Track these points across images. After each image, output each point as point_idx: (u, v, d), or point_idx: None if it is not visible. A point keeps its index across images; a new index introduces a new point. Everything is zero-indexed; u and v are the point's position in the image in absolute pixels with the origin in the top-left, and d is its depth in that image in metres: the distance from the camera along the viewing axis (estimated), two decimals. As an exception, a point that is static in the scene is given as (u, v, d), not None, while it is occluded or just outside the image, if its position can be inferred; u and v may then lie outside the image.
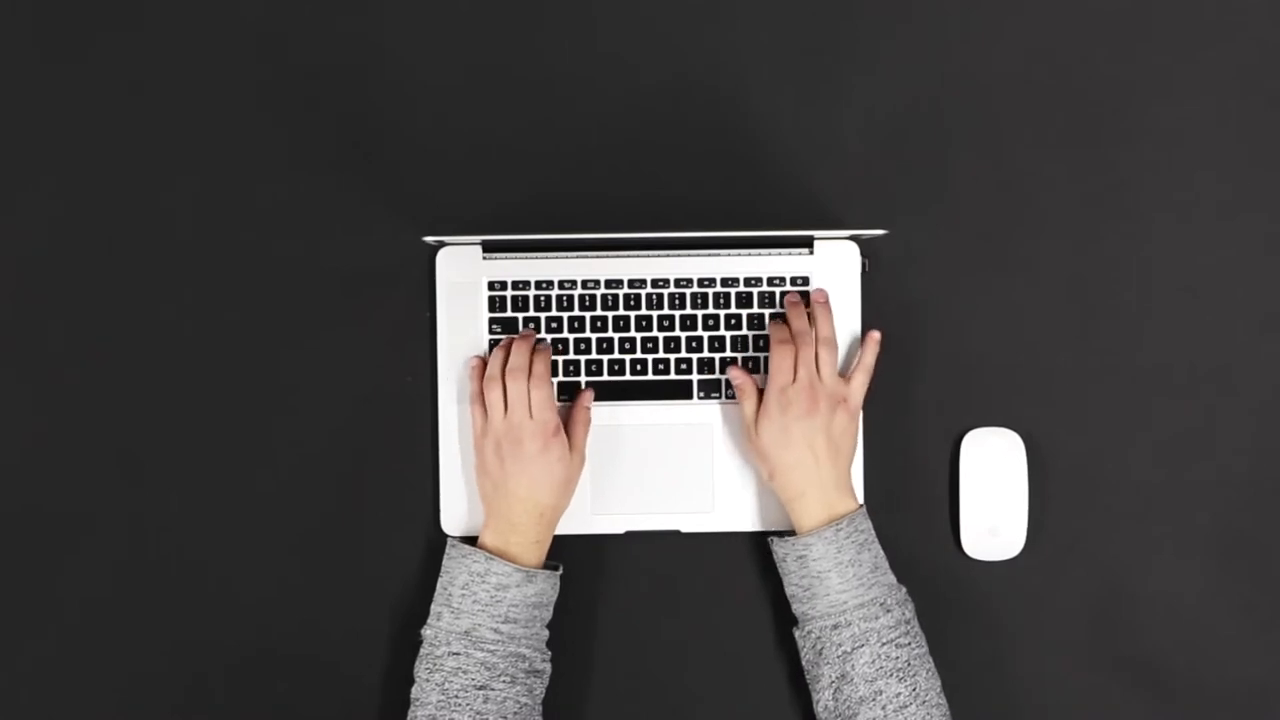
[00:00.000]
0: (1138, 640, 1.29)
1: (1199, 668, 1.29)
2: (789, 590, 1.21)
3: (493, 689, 1.14)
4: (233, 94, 1.29)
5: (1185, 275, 1.29)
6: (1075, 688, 1.28)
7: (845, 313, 1.27)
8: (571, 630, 1.24)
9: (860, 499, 1.24)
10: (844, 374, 1.23)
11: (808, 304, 1.26)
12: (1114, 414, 1.29)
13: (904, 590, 1.19)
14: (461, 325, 1.27)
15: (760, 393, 1.22)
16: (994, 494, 1.27)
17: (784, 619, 1.27)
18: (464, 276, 1.27)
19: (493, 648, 1.15)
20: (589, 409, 1.24)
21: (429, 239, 1.23)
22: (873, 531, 1.20)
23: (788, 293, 1.26)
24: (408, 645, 1.26)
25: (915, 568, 1.27)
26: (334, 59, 1.29)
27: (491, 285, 1.27)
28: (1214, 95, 1.30)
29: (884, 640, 1.15)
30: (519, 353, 1.21)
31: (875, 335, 1.24)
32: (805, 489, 1.19)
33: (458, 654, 1.15)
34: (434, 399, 1.27)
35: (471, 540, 1.23)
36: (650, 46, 1.30)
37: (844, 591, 1.17)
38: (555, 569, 1.21)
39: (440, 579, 1.19)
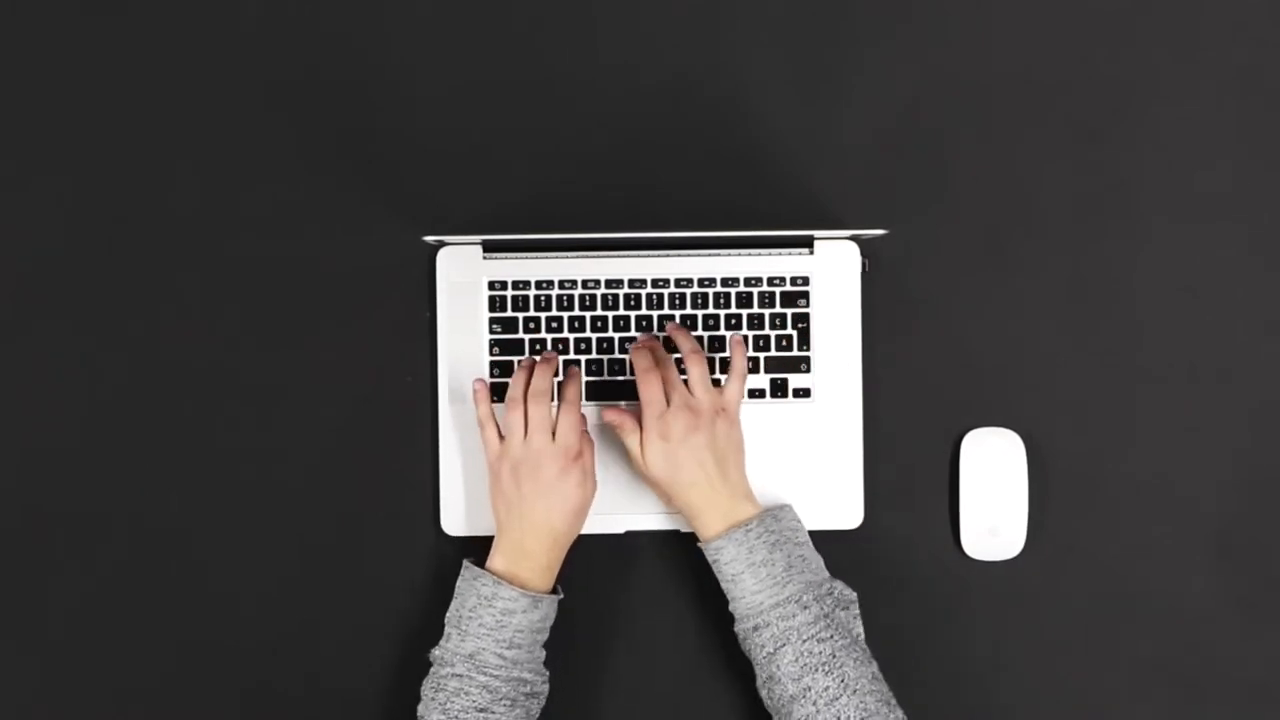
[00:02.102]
0: (1138, 640, 1.29)
1: (1199, 668, 1.29)
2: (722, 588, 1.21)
3: (493, 712, 1.15)
4: (233, 94, 1.29)
5: (1185, 275, 1.29)
6: (1075, 688, 1.28)
7: (845, 313, 1.28)
8: (571, 630, 1.24)
9: (785, 500, 1.22)
10: (717, 384, 1.22)
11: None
12: (1114, 414, 1.29)
13: (831, 584, 1.17)
14: (461, 325, 1.27)
15: (640, 423, 1.21)
16: (994, 494, 1.27)
17: (784, 619, 1.27)
18: (464, 276, 1.27)
19: (495, 672, 1.15)
20: (589, 432, 1.23)
21: (429, 239, 1.23)
22: (790, 533, 1.18)
23: (639, 337, 1.25)
24: (408, 645, 1.26)
25: (915, 568, 1.27)
26: (335, 59, 1.29)
27: (491, 285, 1.27)
28: (1214, 95, 1.30)
29: (804, 637, 1.14)
30: (542, 376, 1.20)
31: (737, 336, 1.24)
32: (704, 506, 1.19)
33: (460, 676, 1.15)
34: (434, 399, 1.27)
35: (477, 541, 1.23)
36: (650, 46, 1.30)
37: (759, 593, 1.16)
38: (555, 593, 1.20)
39: (454, 599, 1.19)
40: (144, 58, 1.29)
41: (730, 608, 1.19)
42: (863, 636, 1.17)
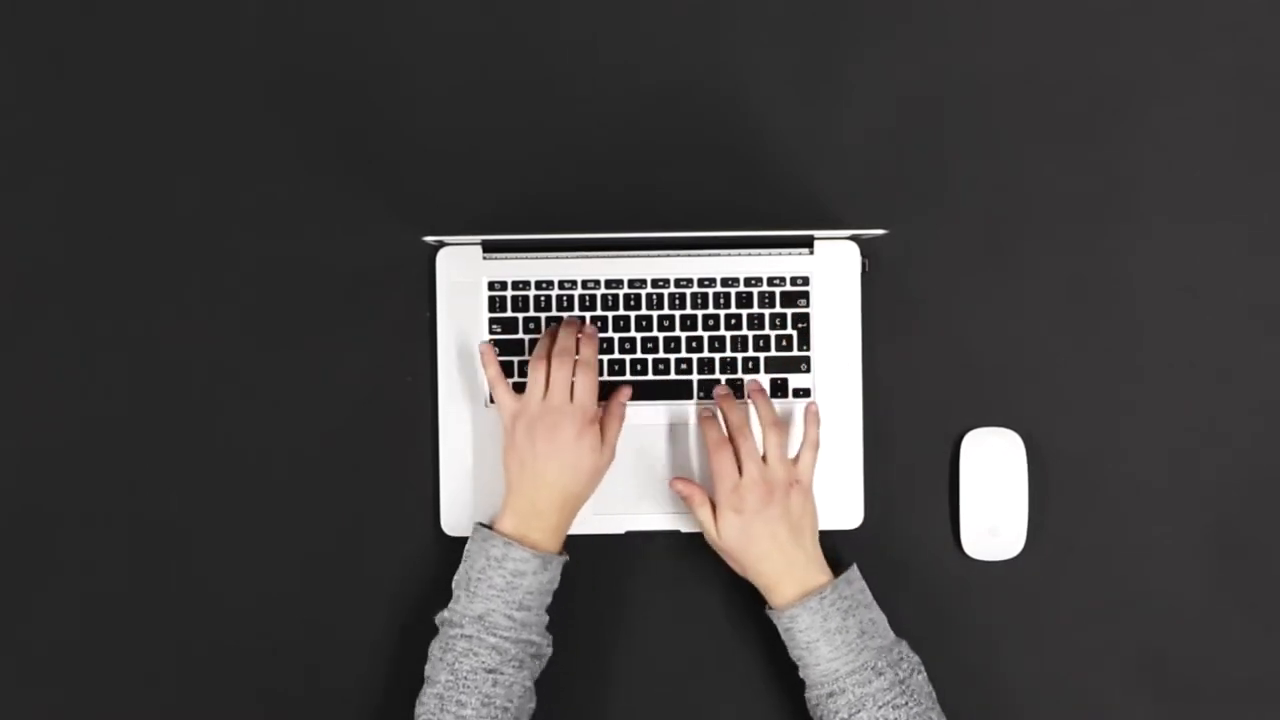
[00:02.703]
0: (1138, 640, 1.29)
1: (1199, 668, 1.29)
2: (791, 656, 1.21)
3: (502, 673, 1.15)
4: (233, 94, 1.29)
5: (1185, 275, 1.29)
6: (1075, 688, 1.28)
7: (845, 313, 1.28)
8: (571, 630, 1.24)
9: (852, 564, 1.22)
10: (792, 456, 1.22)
11: (740, 394, 1.25)
12: (1114, 414, 1.29)
13: (902, 647, 1.18)
14: (461, 325, 1.27)
15: (710, 495, 1.22)
16: (994, 494, 1.27)
17: (784, 619, 1.28)
18: (464, 276, 1.27)
19: (505, 633, 1.15)
20: (624, 405, 1.23)
21: (429, 239, 1.23)
22: (861, 596, 1.19)
23: (716, 386, 1.25)
24: (408, 645, 1.26)
25: (915, 568, 1.27)
26: (335, 59, 1.29)
27: (491, 285, 1.27)
28: (1214, 95, 1.30)
29: (880, 703, 1.15)
30: (566, 335, 1.21)
31: (813, 408, 1.24)
32: (778, 578, 1.19)
33: (470, 637, 1.15)
34: (434, 399, 1.27)
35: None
36: (650, 46, 1.30)
37: (834, 660, 1.16)
38: (562, 555, 1.20)
39: (462, 562, 1.19)
40: (144, 58, 1.29)
41: (801, 674, 1.19)
42: (934, 696, 1.18)
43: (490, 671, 1.14)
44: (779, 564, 1.19)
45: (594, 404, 1.19)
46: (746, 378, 1.26)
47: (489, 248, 1.26)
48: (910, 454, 1.29)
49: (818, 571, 1.20)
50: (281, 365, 1.28)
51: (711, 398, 1.26)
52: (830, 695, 1.16)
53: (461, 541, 1.26)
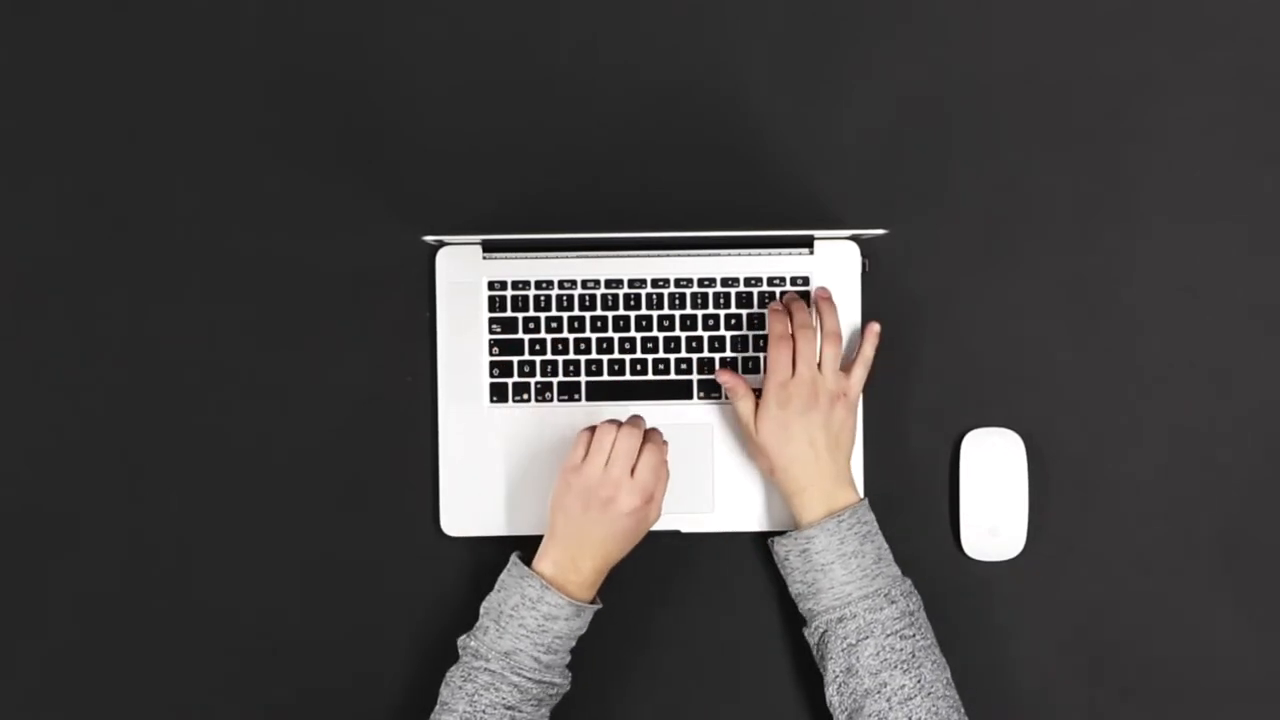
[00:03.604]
0: (1138, 640, 1.29)
1: (1199, 668, 1.29)
2: (793, 590, 1.21)
3: (520, 710, 1.15)
4: (233, 94, 1.29)
5: (1185, 275, 1.29)
6: (1075, 688, 1.28)
7: (845, 313, 1.27)
8: (571, 630, 1.24)
9: (861, 492, 1.24)
10: (843, 367, 1.23)
11: (808, 302, 1.26)
12: (1114, 414, 1.29)
13: (909, 582, 1.19)
14: (461, 325, 1.27)
15: (755, 391, 1.22)
16: (994, 494, 1.27)
17: (784, 619, 1.27)
18: (464, 276, 1.27)
19: (529, 674, 1.15)
20: (668, 463, 1.21)
21: (429, 239, 1.23)
22: (875, 524, 1.20)
23: (787, 292, 1.26)
24: (408, 645, 1.26)
25: (915, 568, 1.27)
26: (335, 59, 1.29)
27: (491, 285, 1.27)
28: (1214, 95, 1.30)
29: (889, 632, 1.15)
30: (639, 419, 1.20)
31: (875, 327, 1.24)
32: (806, 484, 1.19)
33: (494, 672, 1.15)
34: (434, 399, 1.27)
35: (477, 542, 1.23)
36: (650, 46, 1.30)
37: (848, 583, 1.17)
38: (594, 603, 1.20)
39: (495, 592, 1.18)
40: (144, 57, 1.29)
41: (808, 604, 1.19)
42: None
43: (509, 708, 1.14)
44: (810, 470, 1.19)
45: (655, 483, 1.18)
46: (815, 287, 1.26)
47: (489, 248, 1.26)
48: (910, 454, 1.29)
49: (847, 488, 1.20)
50: (281, 365, 1.28)
51: (719, 396, 1.26)
52: (840, 620, 1.16)
53: (461, 541, 1.27)
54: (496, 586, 1.18)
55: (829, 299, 1.24)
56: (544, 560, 1.18)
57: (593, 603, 1.19)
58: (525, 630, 1.15)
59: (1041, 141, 1.29)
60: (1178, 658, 1.29)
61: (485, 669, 1.15)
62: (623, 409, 1.26)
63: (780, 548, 1.21)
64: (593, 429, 1.19)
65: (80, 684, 1.28)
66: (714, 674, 1.28)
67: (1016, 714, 1.28)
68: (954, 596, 1.28)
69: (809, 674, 1.27)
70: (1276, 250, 1.29)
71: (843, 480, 1.20)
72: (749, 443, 1.23)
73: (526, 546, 1.20)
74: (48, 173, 1.29)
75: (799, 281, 1.27)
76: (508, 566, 1.19)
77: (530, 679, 1.15)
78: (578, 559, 1.17)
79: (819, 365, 1.21)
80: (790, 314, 1.23)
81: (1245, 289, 1.29)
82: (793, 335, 1.21)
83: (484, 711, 1.14)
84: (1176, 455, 1.29)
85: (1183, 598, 1.29)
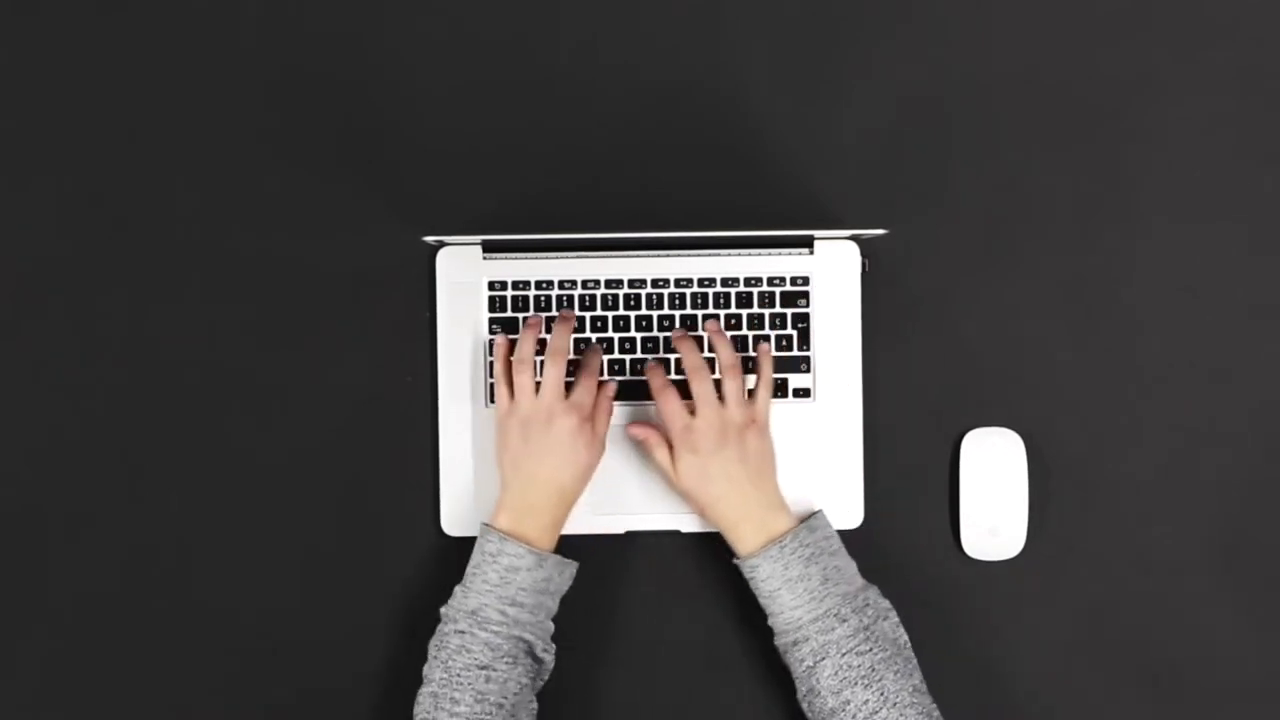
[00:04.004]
0: (1137, 640, 1.29)
1: (1199, 668, 1.29)
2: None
3: (495, 669, 1.15)
4: (233, 94, 1.29)
5: (1185, 275, 1.29)
6: (1075, 688, 1.28)
7: (845, 313, 1.28)
8: (572, 630, 1.24)
9: (814, 507, 1.23)
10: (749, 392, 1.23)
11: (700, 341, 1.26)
12: (1114, 414, 1.29)
13: (869, 593, 1.18)
14: (461, 325, 1.27)
15: (666, 437, 1.22)
16: (994, 494, 1.27)
17: (784, 619, 1.28)
18: (464, 276, 1.27)
19: (497, 629, 1.15)
20: (611, 399, 1.23)
21: (429, 239, 1.23)
22: (824, 543, 1.19)
23: (673, 332, 1.25)
24: (408, 645, 1.26)
25: (915, 568, 1.27)
26: (335, 59, 1.29)
27: (491, 285, 1.27)
28: (1214, 95, 1.30)
29: (843, 650, 1.14)
30: (560, 335, 1.21)
31: (765, 346, 1.24)
32: (738, 519, 1.19)
33: (463, 632, 1.15)
34: (434, 399, 1.27)
35: (474, 541, 1.24)
36: (650, 46, 1.30)
37: (796, 608, 1.16)
38: (563, 556, 1.20)
39: (470, 559, 1.20)
40: (144, 57, 1.29)
41: (769, 622, 1.19)
42: (908, 644, 1.18)
43: (483, 668, 1.14)
44: (737, 505, 1.19)
45: (590, 401, 1.20)
46: (702, 314, 1.26)
47: (489, 248, 1.26)
48: (910, 454, 1.29)
49: (779, 514, 1.20)
50: (281, 365, 1.28)
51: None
52: (794, 644, 1.16)
53: (461, 541, 1.27)
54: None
55: (719, 330, 1.24)
56: (500, 513, 1.19)
57: (564, 558, 1.19)
58: (488, 585, 1.16)
59: (1041, 141, 1.29)
60: (1178, 658, 1.29)
61: (455, 631, 1.15)
62: (623, 409, 1.26)
63: (738, 566, 1.21)
64: (509, 371, 1.21)
65: (80, 683, 1.28)
66: (713, 674, 1.28)
67: (1016, 714, 1.28)
68: (954, 596, 1.28)
69: (809, 674, 1.27)
70: (1276, 250, 1.29)
71: (774, 506, 1.20)
72: (675, 490, 1.23)
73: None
74: (48, 173, 1.29)
75: (799, 281, 1.27)
76: (479, 533, 1.20)
77: (499, 634, 1.15)
78: (530, 499, 1.18)
79: (721, 399, 1.20)
80: (683, 355, 1.22)
81: (1245, 289, 1.29)
82: (689, 379, 1.20)
83: (458, 675, 1.14)
84: (1176, 455, 1.29)
85: (1183, 598, 1.29)
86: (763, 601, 1.19)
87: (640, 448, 1.25)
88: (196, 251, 1.29)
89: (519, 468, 1.19)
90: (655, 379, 1.22)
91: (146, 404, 1.28)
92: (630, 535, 1.27)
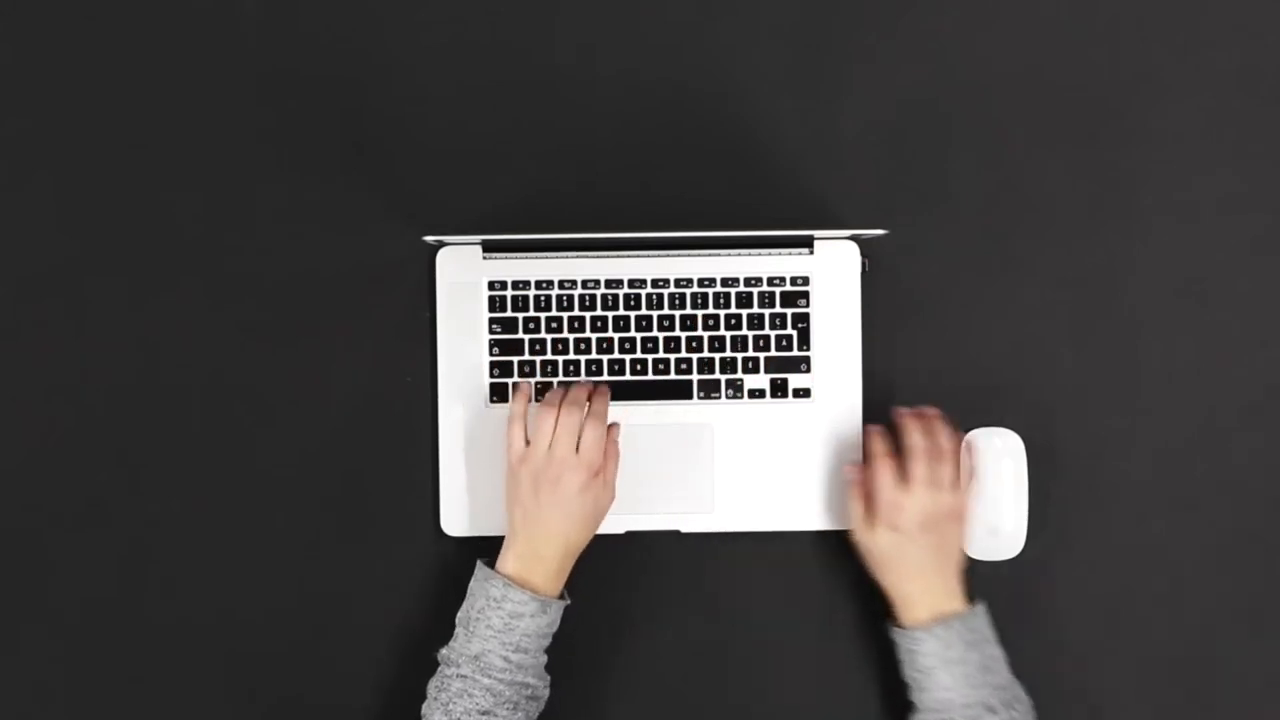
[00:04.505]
0: (1138, 640, 1.29)
1: (1199, 667, 1.29)
2: (903, 676, 1.21)
3: (496, 715, 1.14)
4: (233, 94, 1.29)
5: (1185, 275, 1.29)
6: (1075, 688, 1.28)
7: (845, 313, 1.28)
8: (572, 630, 1.23)
9: (981, 602, 1.22)
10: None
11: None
12: (1114, 414, 1.29)
13: (1017, 689, 1.19)
14: (461, 325, 1.27)
15: (868, 494, 1.22)
16: (994, 494, 1.27)
17: (783, 620, 1.27)
18: (464, 276, 1.27)
19: (500, 675, 1.15)
20: (619, 443, 1.23)
21: (429, 239, 1.23)
22: (987, 631, 1.20)
23: (898, 410, 1.25)
24: (408, 645, 1.26)
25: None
26: (335, 59, 1.29)
27: (491, 285, 1.27)
28: (1214, 95, 1.30)
29: None
30: (579, 389, 1.21)
31: (970, 440, 1.24)
32: (915, 596, 1.20)
33: (465, 677, 1.15)
34: (434, 399, 1.27)
35: (477, 541, 1.23)
36: (650, 46, 1.30)
37: (950, 690, 1.17)
38: (562, 599, 1.20)
39: (466, 599, 1.19)
40: (143, 58, 1.29)
41: (913, 697, 1.20)
42: None
43: (484, 713, 1.14)
44: (919, 586, 1.20)
45: (600, 456, 1.19)
46: (929, 410, 1.24)
47: (489, 248, 1.26)
48: (910, 454, 1.29)
49: (954, 599, 1.21)
50: (281, 365, 1.28)
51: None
52: None
53: (461, 541, 1.27)
54: (466, 594, 1.19)
55: (940, 415, 1.24)
56: (507, 558, 1.19)
57: (561, 598, 1.19)
58: (492, 631, 1.15)
59: (1041, 141, 1.29)
60: (1177, 657, 1.29)
61: (457, 675, 1.15)
62: (623, 409, 1.26)
63: (895, 637, 1.22)
64: (525, 415, 1.20)
65: (80, 683, 1.28)
66: (712, 674, 1.28)
67: (1016, 714, 1.29)
68: (954, 596, 1.28)
69: (807, 674, 1.27)
70: (1277, 250, 1.29)
71: (952, 592, 1.21)
72: (855, 538, 1.23)
73: (526, 546, 1.20)
74: (48, 173, 1.29)
75: (799, 281, 1.27)
76: (474, 573, 1.19)
77: (501, 680, 1.15)
78: (540, 550, 1.18)
79: (941, 480, 1.20)
80: (910, 432, 1.22)
81: (1246, 289, 1.29)
82: (909, 458, 1.20)
83: (460, 719, 1.14)
84: (1176, 455, 1.29)
85: (1183, 597, 1.29)
86: (913, 675, 1.19)
87: (848, 487, 1.24)
88: (196, 252, 1.29)
89: (528, 519, 1.19)
90: (876, 445, 1.22)
91: (146, 404, 1.28)
92: (630, 535, 1.27)
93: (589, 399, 1.21)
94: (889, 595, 1.22)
